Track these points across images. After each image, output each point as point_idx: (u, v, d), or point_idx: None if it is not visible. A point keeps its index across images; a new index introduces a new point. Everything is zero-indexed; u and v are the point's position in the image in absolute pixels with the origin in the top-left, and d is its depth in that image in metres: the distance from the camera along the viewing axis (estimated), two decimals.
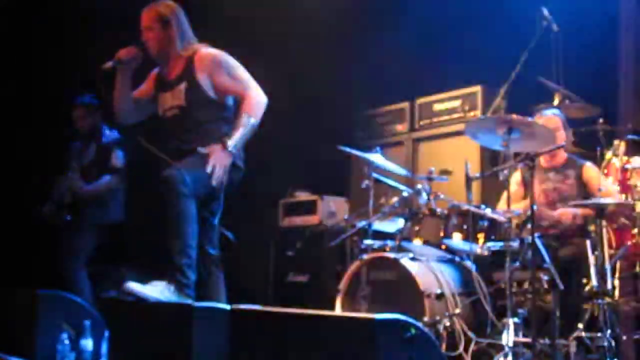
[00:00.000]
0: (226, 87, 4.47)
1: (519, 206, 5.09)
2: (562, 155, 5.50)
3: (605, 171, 5.43)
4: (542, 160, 5.50)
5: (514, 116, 4.67)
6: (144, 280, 4.18)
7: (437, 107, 6.93)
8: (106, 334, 4.55)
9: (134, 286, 4.10)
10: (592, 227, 5.09)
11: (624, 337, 4.64)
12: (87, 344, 4.55)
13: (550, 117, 5.41)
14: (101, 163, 6.15)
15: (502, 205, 5.35)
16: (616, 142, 5.48)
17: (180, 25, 4.53)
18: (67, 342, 4.51)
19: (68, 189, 6.11)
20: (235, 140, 4.33)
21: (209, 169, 4.25)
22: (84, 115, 6.26)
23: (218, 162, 4.28)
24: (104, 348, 4.55)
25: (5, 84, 6.61)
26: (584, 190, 5.32)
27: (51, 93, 6.66)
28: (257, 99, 4.42)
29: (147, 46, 4.53)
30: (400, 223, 5.60)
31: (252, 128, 4.40)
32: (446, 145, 6.74)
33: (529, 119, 4.83)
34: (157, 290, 4.10)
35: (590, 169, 5.40)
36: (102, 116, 6.28)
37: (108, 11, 6.53)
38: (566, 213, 5.17)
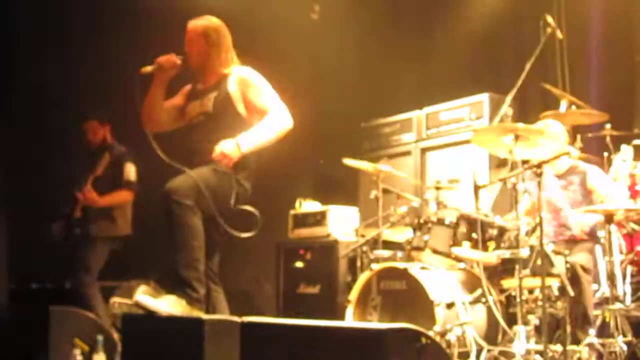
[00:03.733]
0: (255, 104, 4.44)
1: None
2: (565, 163, 5.41)
3: (614, 176, 5.42)
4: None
5: (520, 125, 4.68)
6: (155, 293, 4.18)
7: (444, 116, 6.93)
8: (118, 349, 4.58)
9: (145, 300, 4.10)
10: (602, 233, 5.09)
11: (636, 343, 4.64)
12: (100, 359, 4.58)
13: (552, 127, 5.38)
14: (113, 177, 6.16)
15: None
16: (624, 147, 5.48)
17: (222, 44, 4.55)
18: (79, 357, 4.54)
19: (81, 198, 6.12)
20: (246, 137, 4.30)
21: (216, 151, 4.23)
22: (94, 129, 6.31)
23: (225, 148, 4.25)
24: None
25: (20, 98, 6.69)
26: (589, 197, 5.28)
27: (63, 107, 6.72)
28: (281, 117, 4.39)
29: (187, 57, 4.53)
30: (409, 233, 5.60)
31: (266, 136, 4.36)
32: (454, 154, 6.74)
33: (536, 127, 4.83)
34: (169, 304, 4.10)
35: (594, 175, 5.33)
36: (112, 130, 6.33)
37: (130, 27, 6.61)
38: None
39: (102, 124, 6.31)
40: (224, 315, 4.20)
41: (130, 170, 6.20)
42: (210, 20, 4.61)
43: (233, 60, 4.61)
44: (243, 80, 4.49)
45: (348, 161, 5.94)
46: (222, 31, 4.59)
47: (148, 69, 4.49)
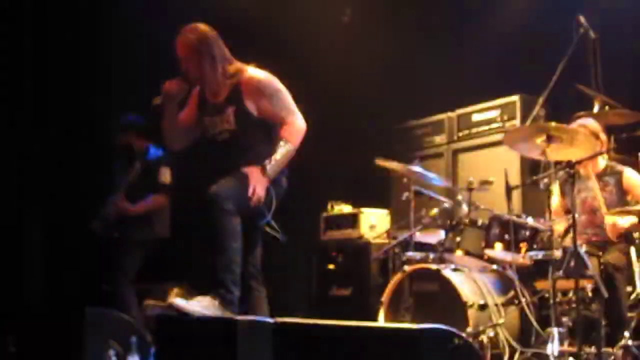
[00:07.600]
0: (268, 112, 4.44)
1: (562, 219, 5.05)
2: (601, 163, 5.40)
3: None
4: (581, 169, 5.41)
5: (553, 124, 4.65)
6: (188, 296, 4.22)
7: (476, 117, 6.91)
8: (152, 350, 4.62)
9: (178, 302, 4.14)
10: (636, 234, 5.04)
11: None
12: None
13: (587, 125, 5.32)
14: (147, 180, 6.22)
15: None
16: None
17: (215, 49, 4.47)
18: (114, 359, 4.58)
19: (114, 208, 6.19)
20: (272, 165, 4.35)
21: (250, 191, 4.27)
22: (129, 134, 6.37)
23: (257, 183, 4.29)
24: None
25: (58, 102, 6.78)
26: (625, 197, 5.24)
27: (99, 112, 6.80)
28: (296, 126, 4.42)
29: (187, 75, 4.50)
30: (441, 234, 5.59)
31: (289, 154, 4.41)
32: (485, 155, 6.71)
33: (569, 126, 4.80)
34: (202, 306, 4.13)
35: (630, 176, 5.31)
36: (148, 135, 6.38)
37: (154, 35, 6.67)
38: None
39: (139, 136, 6.37)
40: (258, 316, 4.22)
41: (165, 174, 6.25)
42: (197, 31, 4.49)
43: (233, 63, 4.53)
44: (254, 90, 4.44)
45: (380, 161, 5.92)
46: (210, 39, 4.48)
47: (158, 100, 4.53)
